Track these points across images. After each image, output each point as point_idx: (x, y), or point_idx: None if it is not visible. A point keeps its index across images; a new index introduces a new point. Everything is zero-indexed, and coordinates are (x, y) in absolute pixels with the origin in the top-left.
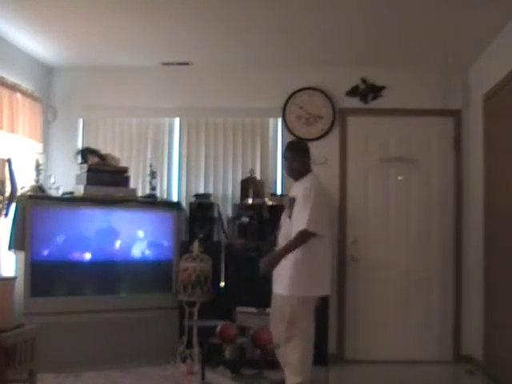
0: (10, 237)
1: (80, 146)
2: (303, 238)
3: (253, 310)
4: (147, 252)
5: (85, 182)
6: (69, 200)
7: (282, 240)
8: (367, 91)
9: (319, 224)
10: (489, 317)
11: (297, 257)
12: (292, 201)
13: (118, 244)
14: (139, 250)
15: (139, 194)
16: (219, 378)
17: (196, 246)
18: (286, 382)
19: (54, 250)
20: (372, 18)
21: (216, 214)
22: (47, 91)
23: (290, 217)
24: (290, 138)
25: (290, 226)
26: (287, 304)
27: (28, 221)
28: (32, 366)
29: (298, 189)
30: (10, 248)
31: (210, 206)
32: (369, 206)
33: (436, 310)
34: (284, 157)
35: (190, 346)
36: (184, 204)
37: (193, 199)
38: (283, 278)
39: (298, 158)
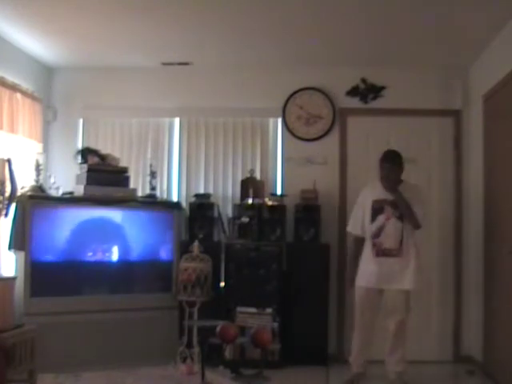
0: (10, 237)
1: (80, 145)
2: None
3: (253, 309)
4: (147, 252)
5: (85, 182)
6: (69, 200)
7: (391, 240)
8: (367, 91)
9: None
10: (489, 317)
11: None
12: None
13: (117, 244)
14: (139, 249)
15: (139, 194)
16: (219, 377)
17: (196, 246)
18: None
19: (53, 249)
20: (372, 18)
21: (216, 214)
22: (47, 91)
23: (398, 217)
24: (290, 137)
25: (398, 226)
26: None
27: (28, 221)
28: (32, 366)
29: (405, 193)
30: (9, 248)
31: (210, 205)
32: None
33: (436, 310)
34: (387, 167)
35: (190, 345)
36: (184, 204)
37: (193, 199)
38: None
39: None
